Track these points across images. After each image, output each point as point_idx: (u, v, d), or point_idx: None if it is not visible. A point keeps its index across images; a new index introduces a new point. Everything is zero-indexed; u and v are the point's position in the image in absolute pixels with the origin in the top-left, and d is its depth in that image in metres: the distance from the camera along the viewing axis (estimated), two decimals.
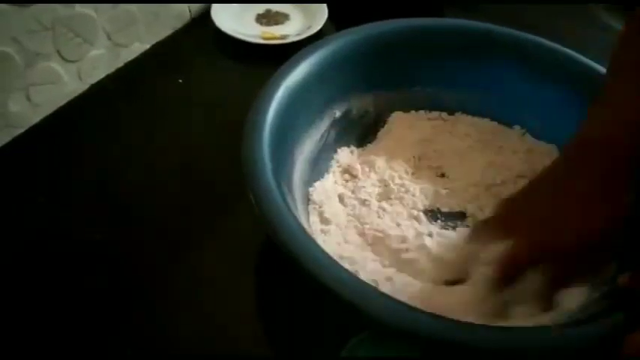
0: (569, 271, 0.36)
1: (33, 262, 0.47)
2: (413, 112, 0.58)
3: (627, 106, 0.36)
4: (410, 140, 0.56)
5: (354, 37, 0.54)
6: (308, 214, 0.48)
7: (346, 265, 0.44)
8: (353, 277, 0.35)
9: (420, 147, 0.56)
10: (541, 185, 0.40)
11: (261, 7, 0.76)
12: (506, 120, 0.58)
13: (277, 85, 0.46)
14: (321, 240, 0.46)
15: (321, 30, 0.71)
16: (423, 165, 0.55)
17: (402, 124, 0.57)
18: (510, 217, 0.40)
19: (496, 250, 0.38)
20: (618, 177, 0.35)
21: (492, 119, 0.58)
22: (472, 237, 0.42)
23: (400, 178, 0.52)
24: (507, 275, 0.37)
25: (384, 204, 0.50)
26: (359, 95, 0.55)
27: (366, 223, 0.49)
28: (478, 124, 0.58)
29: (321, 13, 0.73)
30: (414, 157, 0.55)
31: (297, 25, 0.74)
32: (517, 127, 0.57)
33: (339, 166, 0.53)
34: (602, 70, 0.52)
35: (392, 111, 0.57)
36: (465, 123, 0.58)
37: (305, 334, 0.43)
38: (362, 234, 0.48)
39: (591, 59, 0.54)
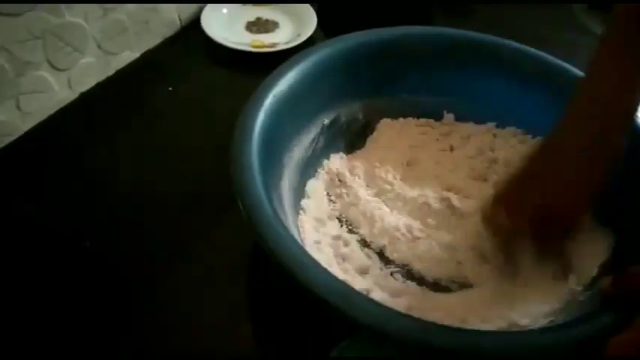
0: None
1: (23, 269, 0.47)
2: (401, 119, 0.58)
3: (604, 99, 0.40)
4: (398, 147, 0.56)
5: (343, 45, 0.54)
6: (297, 220, 0.48)
7: (337, 271, 0.44)
8: (340, 284, 0.35)
9: (408, 153, 0.56)
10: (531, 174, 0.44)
11: (252, 15, 0.77)
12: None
13: (266, 93, 0.46)
14: (311, 246, 0.46)
15: (310, 38, 0.71)
16: (412, 171, 0.55)
17: (390, 131, 0.57)
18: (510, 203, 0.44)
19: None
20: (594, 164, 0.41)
21: (479, 124, 0.59)
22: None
23: (389, 184, 0.53)
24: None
25: (373, 210, 0.50)
26: (347, 102, 0.55)
27: (356, 229, 0.49)
28: (465, 130, 0.58)
29: (311, 21, 0.74)
30: (402, 163, 0.55)
31: (286, 33, 0.75)
32: (512, 128, 0.58)
33: (328, 173, 0.54)
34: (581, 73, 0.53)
35: (380, 118, 0.58)
36: (452, 129, 0.59)
37: (294, 335, 0.44)
38: (351, 240, 0.48)
39: (577, 64, 0.54)
